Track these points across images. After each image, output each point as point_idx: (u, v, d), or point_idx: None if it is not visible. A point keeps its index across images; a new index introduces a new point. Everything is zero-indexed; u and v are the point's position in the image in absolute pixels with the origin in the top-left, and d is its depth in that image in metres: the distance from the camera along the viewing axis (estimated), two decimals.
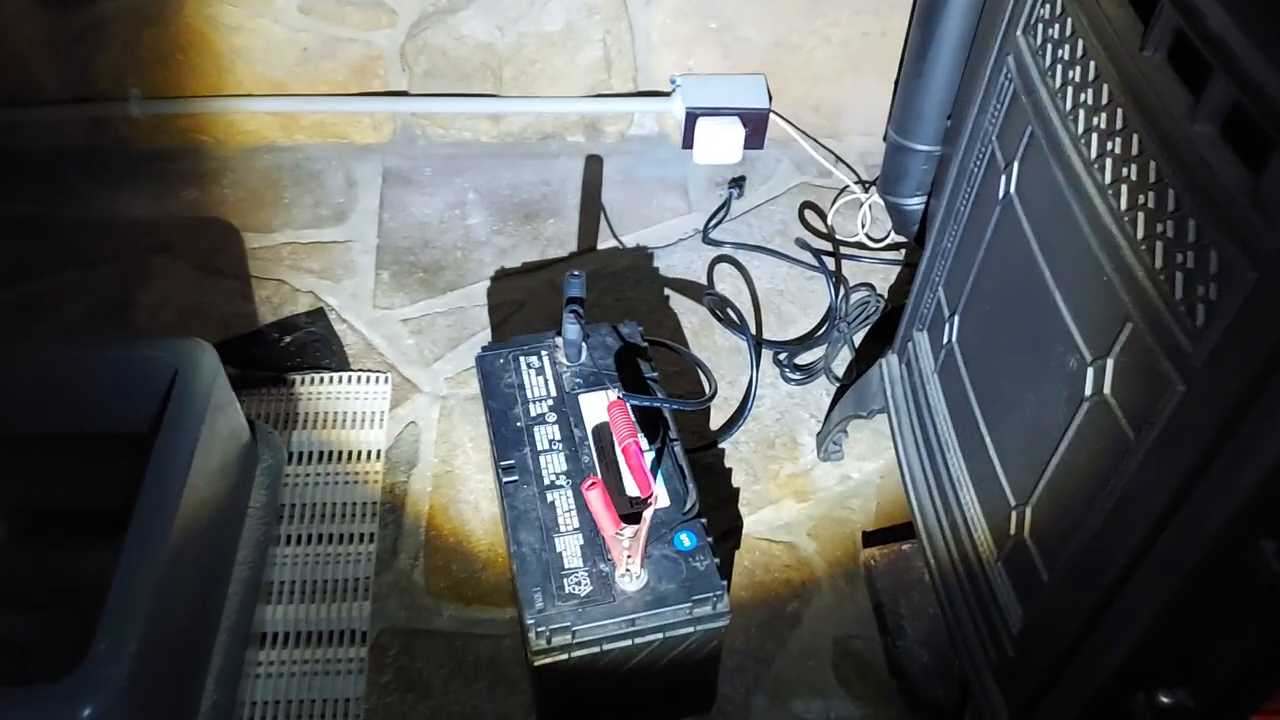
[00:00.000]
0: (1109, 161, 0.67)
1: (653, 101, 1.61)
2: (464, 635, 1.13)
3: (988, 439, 0.87)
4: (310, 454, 1.26)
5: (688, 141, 1.60)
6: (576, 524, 0.97)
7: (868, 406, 1.16)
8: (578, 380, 1.08)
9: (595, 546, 0.95)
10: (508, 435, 1.04)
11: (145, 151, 1.61)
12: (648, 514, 0.87)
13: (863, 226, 1.56)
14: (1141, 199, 0.63)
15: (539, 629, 0.90)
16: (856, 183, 1.61)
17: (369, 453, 1.27)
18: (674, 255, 1.53)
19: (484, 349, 1.12)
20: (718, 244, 1.53)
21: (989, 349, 0.88)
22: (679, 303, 1.46)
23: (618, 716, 1.04)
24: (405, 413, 1.33)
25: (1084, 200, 0.70)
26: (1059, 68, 0.74)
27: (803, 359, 1.40)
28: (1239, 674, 0.68)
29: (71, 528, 1.12)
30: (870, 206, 1.56)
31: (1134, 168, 0.64)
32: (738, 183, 1.61)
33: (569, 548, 0.95)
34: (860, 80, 1.60)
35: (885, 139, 1.41)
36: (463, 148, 1.67)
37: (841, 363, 1.39)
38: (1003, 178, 0.84)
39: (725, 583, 0.93)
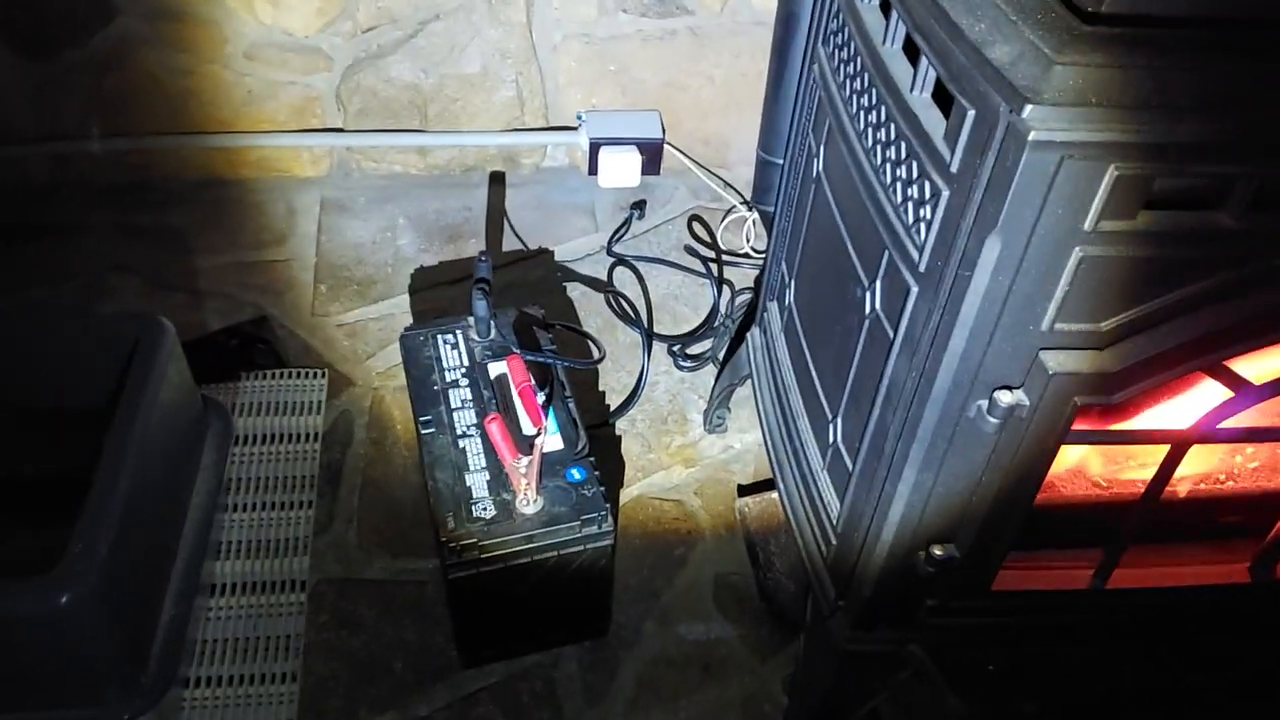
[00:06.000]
0: (869, 130, 0.88)
1: (561, 135, 1.82)
2: (392, 582, 1.29)
3: (814, 372, 1.07)
4: (254, 437, 1.42)
5: (593, 169, 1.81)
6: (484, 464, 1.14)
7: (740, 374, 1.36)
8: (487, 352, 1.27)
9: (499, 480, 1.12)
10: (426, 397, 1.22)
11: (105, 184, 1.78)
12: (539, 441, 1.05)
13: (747, 240, 1.77)
14: (888, 153, 0.84)
15: (451, 545, 1.07)
16: (742, 204, 1.83)
17: (307, 434, 1.44)
18: (582, 267, 1.73)
19: (406, 329, 1.30)
20: (620, 257, 1.74)
21: (813, 302, 1.09)
22: (585, 306, 1.66)
23: (526, 638, 1.21)
24: (340, 402, 1.50)
25: (858, 164, 0.91)
26: (841, 66, 0.96)
27: (693, 349, 1.59)
28: (987, 527, 0.88)
29: (30, 500, 1.25)
30: (753, 223, 1.77)
31: (883, 131, 0.85)
32: (639, 205, 1.82)
33: (477, 482, 1.13)
34: (742, 115, 1.83)
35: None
36: (393, 179, 1.87)
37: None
38: (815, 160, 1.05)
39: (610, 507, 1.11)
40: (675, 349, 1.59)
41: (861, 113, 0.90)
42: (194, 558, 1.21)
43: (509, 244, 1.77)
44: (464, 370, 1.24)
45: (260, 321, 1.60)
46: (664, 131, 1.82)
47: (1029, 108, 0.63)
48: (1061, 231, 0.69)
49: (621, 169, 1.78)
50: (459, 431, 1.18)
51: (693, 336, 1.61)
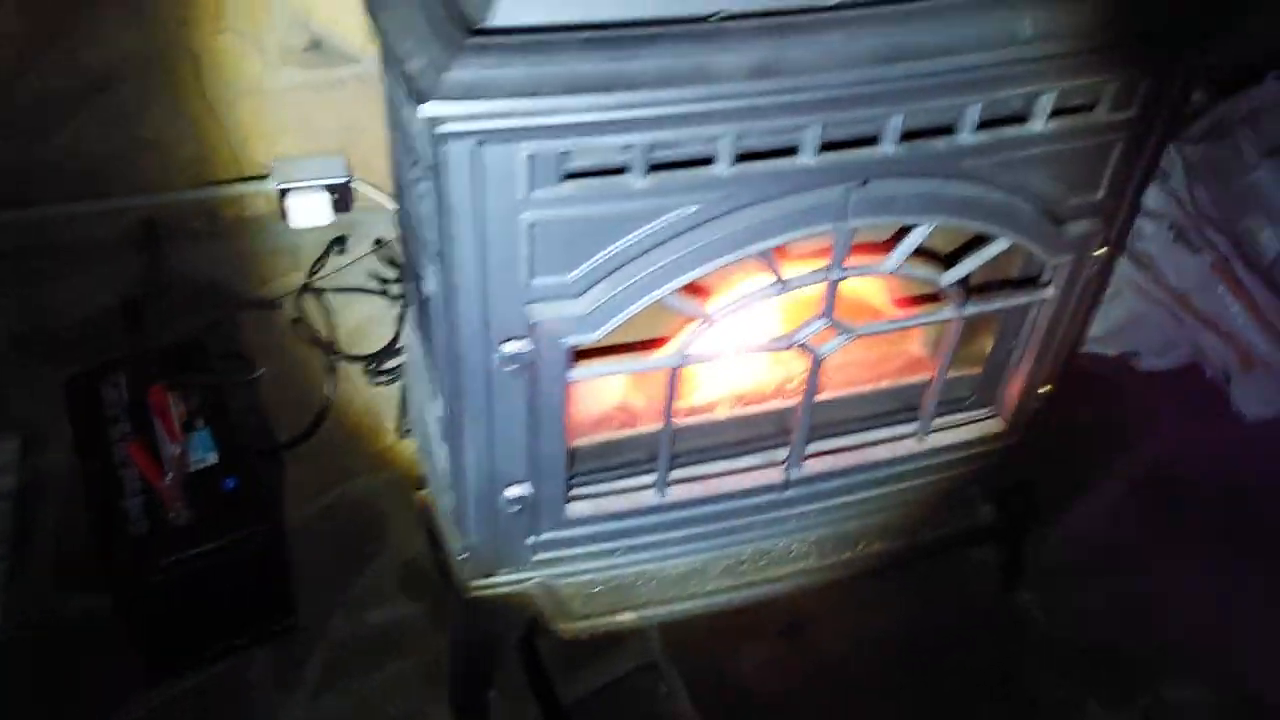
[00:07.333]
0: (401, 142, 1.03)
1: (250, 185, 1.92)
2: (86, 617, 1.35)
3: (427, 357, 1.21)
4: None
5: (285, 213, 1.91)
6: (139, 489, 1.23)
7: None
8: (144, 388, 1.35)
9: (154, 501, 1.21)
10: (88, 438, 1.30)
11: None
12: (176, 455, 1.15)
13: None
14: (410, 159, 0.99)
15: (110, 567, 1.16)
16: None
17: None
18: (285, 305, 1.83)
19: (69, 378, 1.37)
20: (319, 291, 1.85)
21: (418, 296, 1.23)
22: (283, 339, 1.76)
23: (211, 643, 1.29)
24: (33, 461, 1.54)
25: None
26: None
27: (388, 365, 1.72)
28: (545, 463, 1.03)
29: None
30: None
31: (402, 139, 1.00)
32: (339, 242, 1.94)
33: (135, 506, 1.22)
34: None
35: None
36: (91, 246, 1.91)
37: None
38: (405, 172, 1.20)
39: (264, 508, 1.22)
40: (371, 367, 1.71)
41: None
42: None
43: (207, 293, 1.85)
44: (125, 406, 1.33)
45: None
46: (349, 172, 1.94)
47: (425, 106, 0.78)
48: (506, 203, 0.85)
49: (310, 210, 1.90)
50: (117, 462, 1.26)
51: (385, 354, 1.73)
